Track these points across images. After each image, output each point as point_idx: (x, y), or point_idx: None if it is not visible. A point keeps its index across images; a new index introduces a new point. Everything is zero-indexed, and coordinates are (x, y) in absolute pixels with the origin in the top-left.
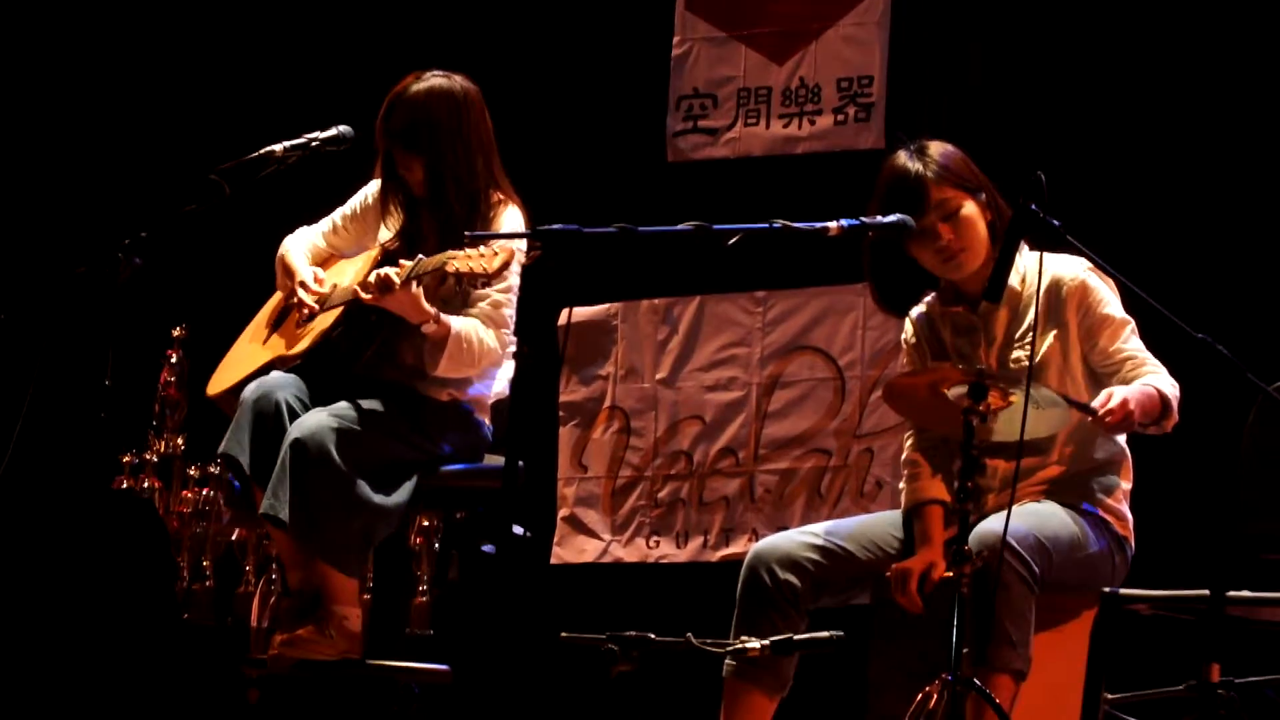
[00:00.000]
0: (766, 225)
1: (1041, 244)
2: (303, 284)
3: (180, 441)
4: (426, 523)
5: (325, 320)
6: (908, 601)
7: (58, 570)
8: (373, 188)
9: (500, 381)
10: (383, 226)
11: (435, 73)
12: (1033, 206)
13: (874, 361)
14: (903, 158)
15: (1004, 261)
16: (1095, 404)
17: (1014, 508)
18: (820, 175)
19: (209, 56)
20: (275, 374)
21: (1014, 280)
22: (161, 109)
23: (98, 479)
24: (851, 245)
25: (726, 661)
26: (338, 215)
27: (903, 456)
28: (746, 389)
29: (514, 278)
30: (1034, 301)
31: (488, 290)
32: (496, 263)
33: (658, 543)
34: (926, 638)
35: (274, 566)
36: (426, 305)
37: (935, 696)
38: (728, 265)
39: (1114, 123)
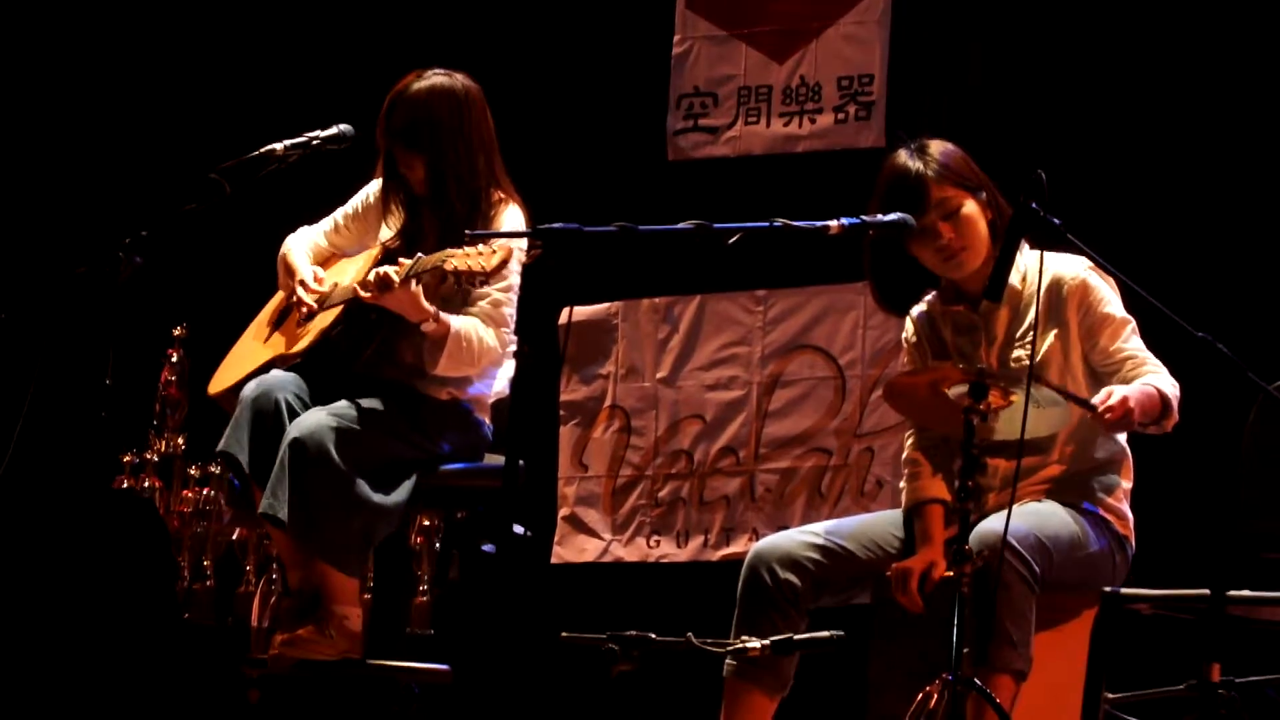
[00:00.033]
0: (767, 224)
1: (1042, 243)
2: (302, 282)
3: (181, 441)
4: (427, 522)
5: (325, 319)
6: (908, 601)
7: (58, 570)
8: (374, 187)
9: (501, 381)
10: (384, 225)
11: (437, 71)
12: (1033, 205)
13: (874, 361)
14: (903, 156)
15: (1004, 260)
16: (1095, 401)
17: (1014, 507)
18: (820, 174)
19: (209, 56)
20: (275, 373)
21: (1015, 279)
22: (161, 109)
23: (98, 479)
24: (852, 244)
25: (727, 661)
26: (339, 214)
27: (903, 456)
28: (747, 388)
29: (514, 277)
30: (1035, 300)
31: (488, 289)
32: (494, 261)
33: (658, 542)
34: (927, 637)
35: (274, 566)
36: (426, 304)
37: (936, 696)
38: (728, 264)
39: (1114, 122)
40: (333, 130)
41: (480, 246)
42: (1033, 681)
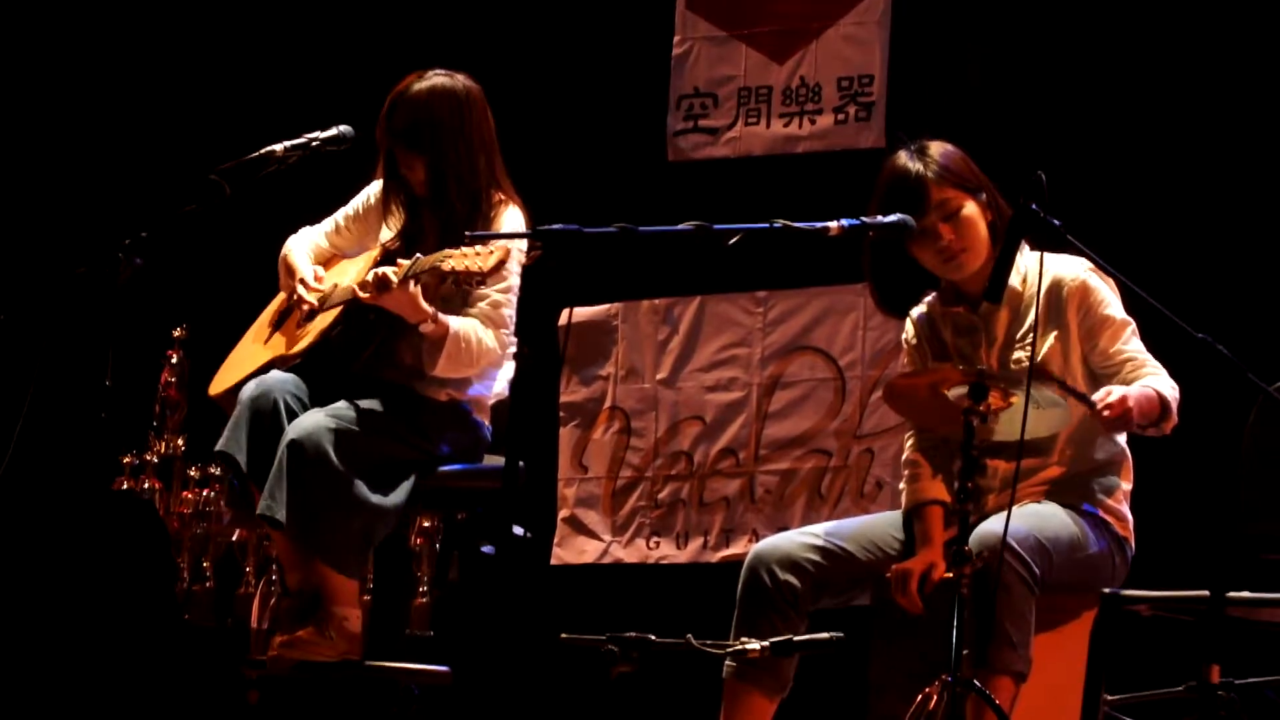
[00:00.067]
0: (767, 225)
1: (1042, 244)
2: (303, 281)
3: (180, 442)
4: (427, 524)
5: (324, 320)
6: (908, 602)
7: (58, 571)
8: (375, 188)
9: (500, 382)
10: (384, 226)
11: (437, 72)
12: (1033, 206)
13: (874, 362)
14: (903, 158)
15: (1004, 261)
16: (1095, 398)
17: (1014, 508)
18: (820, 175)
19: (209, 56)
20: (274, 373)
21: (1015, 280)
22: (161, 109)
23: (98, 480)
24: (852, 245)
25: (726, 663)
26: (340, 215)
27: (903, 457)
28: (747, 389)
29: (514, 278)
30: (1035, 302)
31: (487, 290)
32: (491, 261)
33: (658, 543)
34: (926, 639)
35: (274, 568)
36: (424, 304)
37: (935, 697)
38: (728, 265)
39: (1114, 122)
40: (332, 131)
41: (478, 247)
42: (1032, 683)
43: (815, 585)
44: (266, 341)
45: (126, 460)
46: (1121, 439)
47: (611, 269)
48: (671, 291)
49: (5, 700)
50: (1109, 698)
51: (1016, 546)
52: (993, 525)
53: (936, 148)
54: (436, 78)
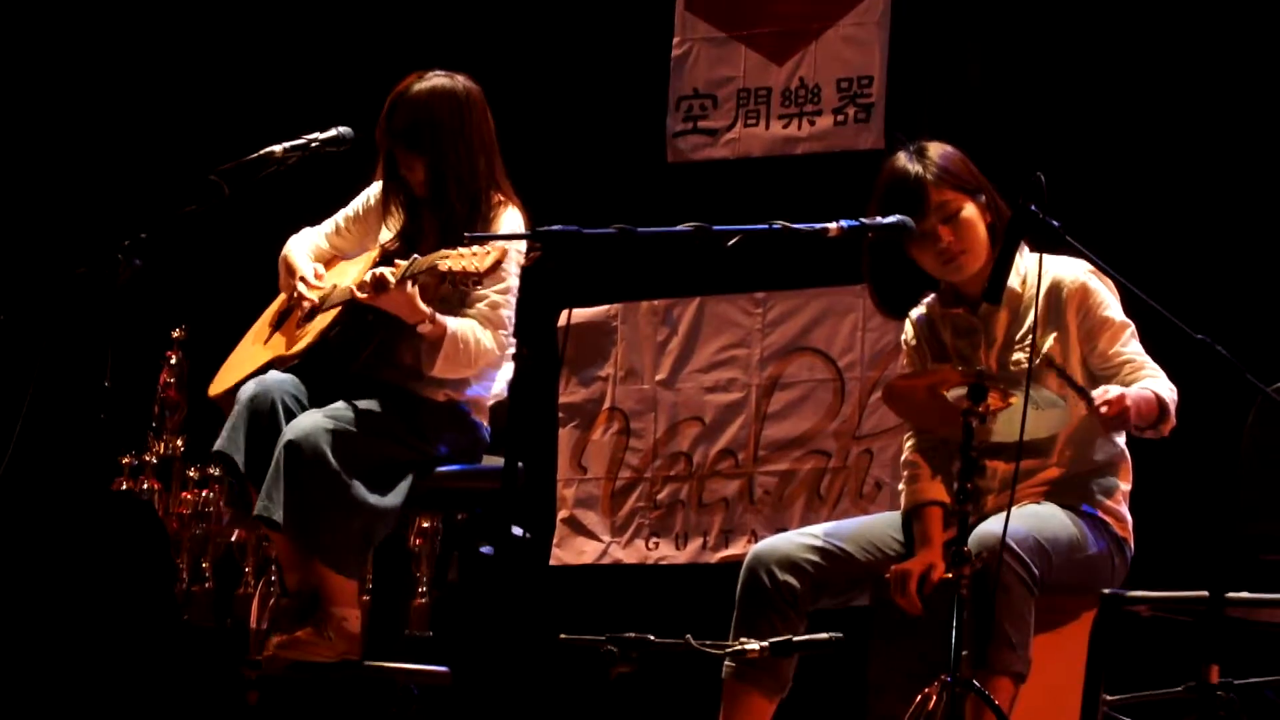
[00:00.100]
0: (766, 226)
1: (1041, 245)
2: (303, 279)
3: (180, 443)
4: (426, 524)
5: (323, 320)
6: (907, 603)
7: (58, 571)
8: (375, 189)
9: (499, 383)
10: (384, 227)
11: (438, 72)
12: (1032, 207)
13: (873, 363)
14: (902, 159)
15: (1003, 262)
16: (1094, 394)
17: (1013, 509)
18: (820, 176)
19: (209, 56)
20: (272, 374)
21: (1014, 282)
22: (161, 109)
23: (97, 480)
24: (851, 246)
25: (726, 663)
26: (340, 216)
27: (902, 458)
28: (746, 390)
29: (512, 279)
30: (1034, 303)
31: (485, 291)
32: (488, 261)
33: (657, 544)
34: (926, 639)
35: (273, 568)
36: (422, 305)
37: (935, 698)
38: (727, 266)
39: (1114, 123)
40: (332, 132)
41: (475, 247)
42: (1032, 683)
43: (814, 586)
44: (266, 342)
45: (126, 461)
46: (1120, 440)
47: (611, 270)
48: (671, 292)
49: (5, 700)
50: (1109, 698)
51: (1016, 547)
52: (992, 526)
53: (935, 149)
54: (437, 78)
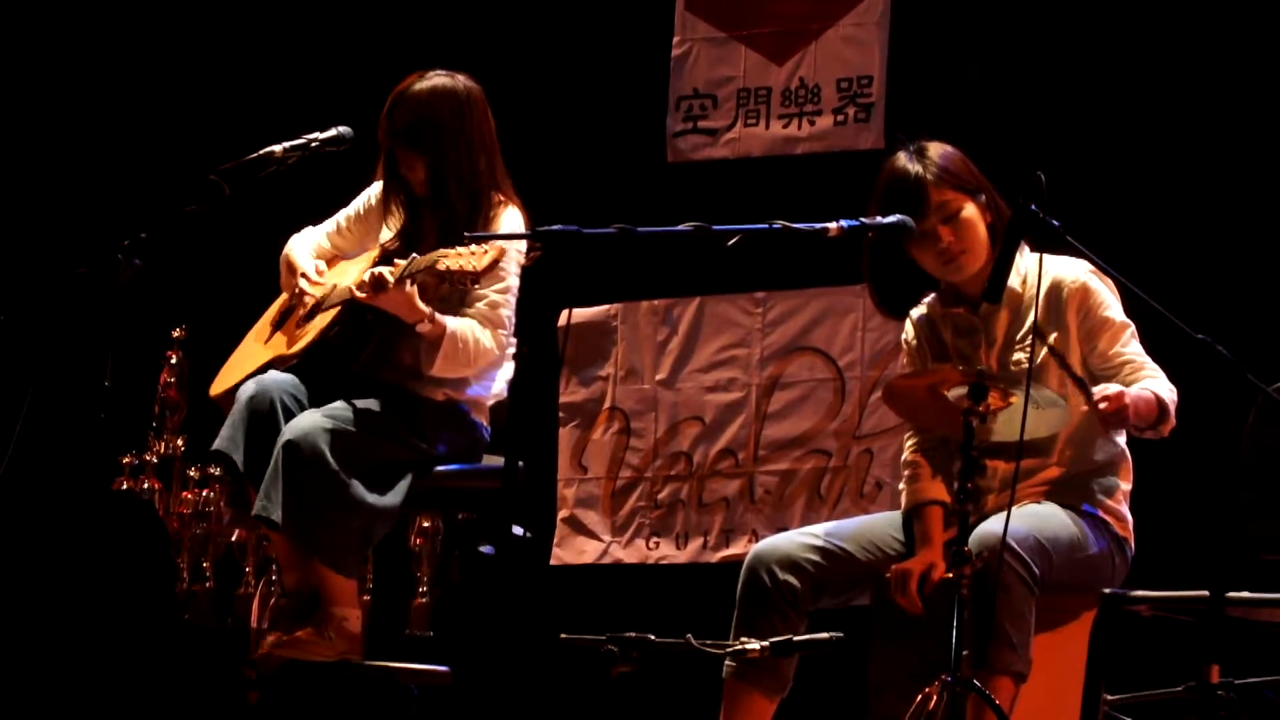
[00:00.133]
0: (766, 226)
1: (1042, 245)
2: (304, 275)
3: (180, 443)
4: (426, 524)
5: (323, 320)
6: (907, 602)
7: (58, 571)
8: (376, 189)
9: (499, 383)
10: (384, 227)
11: (439, 72)
12: (1032, 207)
13: (874, 362)
14: (902, 160)
15: (1003, 262)
16: (1094, 391)
17: (1014, 509)
18: (820, 175)
19: (209, 56)
20: (271, 373)
21: (1014, 282)
22: (161, 109)
23: (98, 480)
24: (851, 246)
25: (726, 663)
26: (341, 216)
27: (903, 458)
28: (746, 390)
29: (512, 278)
30: (1034, 303)
31: (485, 290)
32: (485, 260)
33: (657, 544)
34: (926, 639)
35: (274, 568)
36: (421, 304)
37: (935, 698)
38: (727, 266)
39: (1114, 123)
40: (332, 132)
41: (473, 247)
42: (1032, 683)
43: (815, 585)
44: (267, 342)
45: (126, 460)
46: (1121, 439)
47: (611, 270)
48: (671, 292)
49: (5, 700)
50: (1109, 698)
51: (1016, 547)
52: (992, 526)
53: (935, 149)
54: (438, 78)
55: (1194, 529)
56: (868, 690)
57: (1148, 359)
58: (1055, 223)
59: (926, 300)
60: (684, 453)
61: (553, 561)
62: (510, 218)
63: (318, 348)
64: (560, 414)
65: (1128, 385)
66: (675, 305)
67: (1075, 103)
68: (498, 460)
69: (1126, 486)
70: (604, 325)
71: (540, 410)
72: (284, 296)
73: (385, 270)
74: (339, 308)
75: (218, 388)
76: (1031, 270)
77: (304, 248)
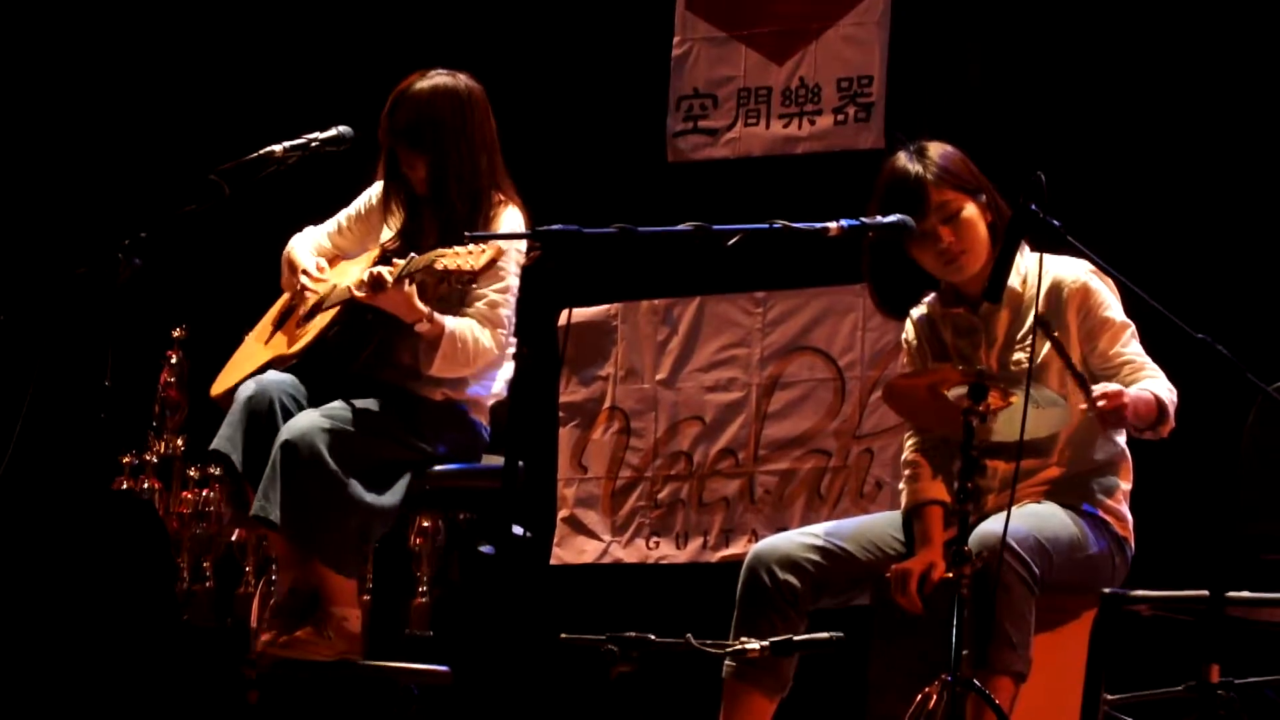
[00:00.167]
0: (766, 225)
1: (1042, 245)
2: (305, 272)
3: (180, 442)
4: (426, 524)
5: (323, 320)
6: (907, 602)
7: (58, 571)
8: (377, 189)
9: (499, 382)
10: (385, 226)
11: (440, 71)
12: (1033, 207)
13: (874, 362)
14: (902, 159)
15: (1003, 262)
16: (1094, 389)
17: (1014, 509)
18: (820, 175)
19: (209, 56)
20: (270, 373)
21: (1015, 281)
22: (161, 109)
23: (98, 480)
24: (851, 246)
25: (726, 662)
26: (343, 216)
27: (903, 457)
28: (746, 390)
29: (512, 278)
30: (1035, 303)
31: (485, 290)
32: (482, 260)
33: (657, 543)
34: (926, 639)
35: (274, 567)
36: (419, 304)
37: (935, 697)
38: (727, 266)
39: (1114, 123)
40: (332, 132)
41: (470, 246)
42: (1032, 683)
43: (815, 585)
44: (268, 342)
45: (126, 460)
46: (1121, 439)
47: (611, 269)
48: (671, 292)
49: (5, 700)
50: (1109, 698)
51: (1016, 547)
52: (992, 525)
53: (935, 149)
54: (439, 77)
55: (1194, 529)
56: (868, 690)
57: (1148, 359)
58: (1055, 223)
59: (926, 300)
60: (684, 452)
61: (553, 561)
62: (510, 217)
63: (317, 347)
64: (560, 414)
65: (1127, 385)
66: (675, 305)
67: (1075, 103)
68: (497, 460)
69: (1127, 486)
70: (604, 325)
71: (540, 410)
72: (285, 296)
73: (384, 270)
74: (338, 308)
75: (219, 388)
76: (1032, 270)
77: (305, 247)
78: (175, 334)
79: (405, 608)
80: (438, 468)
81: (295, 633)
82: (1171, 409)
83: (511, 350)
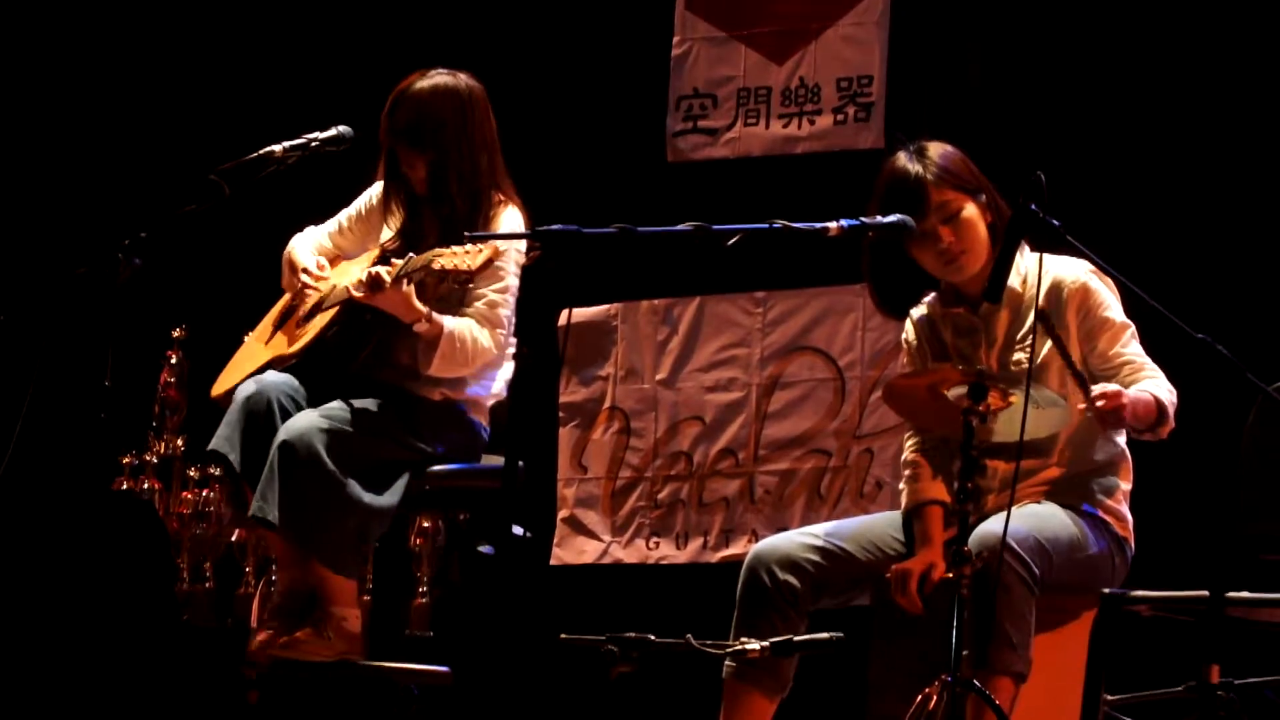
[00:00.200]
0: (766, 225)
1: (1042, 245)
2: (305, 270)
3: (180, 443)
4: (426, 524)
5: (322, 320)
6: (907, 602)
7: (58, 571)
8: (377, 188)
9: (499, 382)
10: (385, 226)
11: (440, 71)
12: (1032, 207)
13: (874, 362)
14: (902, 159)
15: (1003, 262)
16: (1093, 389)
17: (1014, 509)
18: (820, 175)
19: (209, 56)
20: (269, 374)
21: (1015, 281)
22: (161, 109)
23: (98, 480)
24: (851, 245)
25: (726, 663)
26: (343, 216)
27: (903, 457)
28: (746, 390)
29: (511, 278)
30: (1034, 303)
31: (484, 290)
32: (480, 260)
33: (657, 544)
34: (926, 639)
35: (273, 568)
36: (418, 304)
37: (935, 698)
38: (727, 265)
39: (1114, 122)
40: (331, 132)
41: (468, 246)
42: (1032, 683)
43: (815, 585)
44: (268, 342)
45: (126, 460)
46: (1121, 439)
47: (611, 269)
48: (671, 292)
49: (5, 700)
50: (1109, 698)
51: (1016, 547)
52: (992, 526)
53: (935, 149)
54: (439, 76)
55: (1194, 529)
56: (868, 690)
57: (1148, 360)
58: (1055, 223)
59: (926, 300)
60: (684, 452)
61: (553, 561)
62: (510, 217)
63: (316, 348)
64: (560, 414)
65: (1127, 386)
66: (675, 305)
67: (1075, 103)
68: (497, 460)
69: (1126, 486)
70: (604, 325)
71: (540, 410)
72: (286, 297)
73: (382, 270)
74: (338, 308)
75: (220, 388)
76: (1032, 270)
77: (306, 247)
78: (175, 334)
79: (405, 608)
80: (437, 468)
81: (295, 633)
82: (1171, 410)
83: (511, 350)
